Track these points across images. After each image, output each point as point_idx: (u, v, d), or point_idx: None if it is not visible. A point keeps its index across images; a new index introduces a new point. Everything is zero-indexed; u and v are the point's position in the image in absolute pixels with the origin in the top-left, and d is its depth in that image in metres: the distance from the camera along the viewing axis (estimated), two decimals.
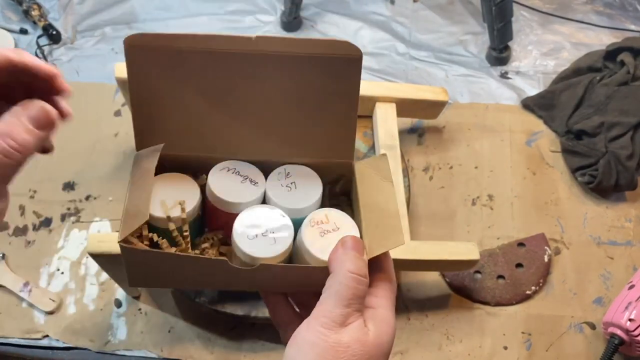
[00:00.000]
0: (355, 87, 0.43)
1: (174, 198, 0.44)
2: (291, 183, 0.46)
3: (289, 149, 0.46)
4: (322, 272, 0.39)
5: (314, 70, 0.41)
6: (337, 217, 0.44)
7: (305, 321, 0.37)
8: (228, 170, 0.46)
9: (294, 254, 0.45)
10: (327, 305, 0.37)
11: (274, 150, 0.47)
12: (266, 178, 0.47)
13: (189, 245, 0.45)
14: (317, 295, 0.39)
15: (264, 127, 0.45)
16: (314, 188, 0.46)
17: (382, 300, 0.39)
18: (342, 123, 0.45)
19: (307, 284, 0.41)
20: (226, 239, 0.47)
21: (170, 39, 0.41)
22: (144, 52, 0.41)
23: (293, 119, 0.45)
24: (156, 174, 0.44)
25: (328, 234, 0.43)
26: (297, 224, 0.44)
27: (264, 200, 0.46)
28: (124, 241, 0.39)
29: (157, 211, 0.44)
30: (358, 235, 0.43)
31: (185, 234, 0.44)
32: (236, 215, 0.44)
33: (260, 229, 0.43)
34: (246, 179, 0.46)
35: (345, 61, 0.41)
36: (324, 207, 0.47)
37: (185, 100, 0.43)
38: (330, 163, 0.47)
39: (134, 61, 0.42)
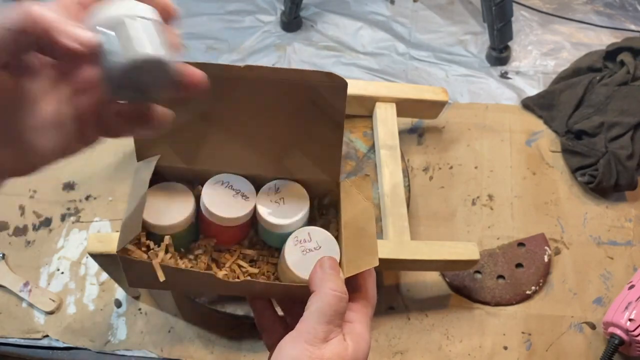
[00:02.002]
0: (340, 113, 0.46)
1: (171, 206, 0.47)
2: (280, 198, 0.49)
3: (280, 166, 0.49)
4: (303, 290, 0.42)
5: (302, 97, 0.45)
6: (319, 235, 0.47)
7: (288, 336, 0.39)
8: (222, 184, 0.49)
9: (279, 269, 0.48)
10: (310, 322, 0.39)
11: (266, 166, 0.49)
12: (258, 192, 0.49)
13: (177, 257, 0.47)
14: (302, 303, 0.41)
15: (256, 145, 0.48)
16: (302, 204, 0.49)
17: (359, 315, 0.42)
18: (329, 145, 0.48)
19: (289, 298, 0.44)
20: (219, 246, 0.50)
21: None
22: None
23: (284, 139, 0.48)
24: (156, 182, 0.48)
25: (310, 253, 0.46)
26: (284, 238, 0.47)
27: (254, 214, 0.49)
28: (121, 251, 0.42)
29: (154, 219, 0.46)
30: (338, 253, 0.46)
31: (170, 249, 0.47)
32: (225, 227, 0.48)
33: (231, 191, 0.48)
34: (238, 193, 0.48)
35: (330, 89, 0.44)
36: (313, 219, 0.50)
37: (183, 118, 0.46)
38: (318, 180, 0.50)
39: None
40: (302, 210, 0.48)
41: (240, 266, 0.49)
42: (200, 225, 0.50)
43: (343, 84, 0.43)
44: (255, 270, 0.49)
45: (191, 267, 0.48)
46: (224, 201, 0.48)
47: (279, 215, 0.48)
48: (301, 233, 0.47)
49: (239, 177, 0.49)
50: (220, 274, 0.47)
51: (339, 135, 0.47)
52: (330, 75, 0.43)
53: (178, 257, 0.47)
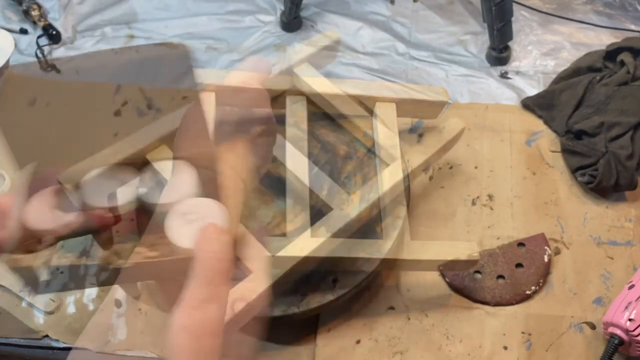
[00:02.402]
0: (192, 82, 0.44)
1: (55, 208, 0.46)
2: (163, 179, 0.47)
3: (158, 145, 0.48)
4: (190, 262, 0.40)
5: (149, 74, 0.44)
6: (203, 204, 0.45)
7: (175, 307, 0.38)
8: (100, 176, 0.47)
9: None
10: (190, 287, 0.38)
11: (142, 150, 0.48)
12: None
13: (69, 257, 0.47)
14: None
15: (124, 128, 0.47)
16: (186, 180, 0.47)
17: (248, 272, 0.42)
18: (194, 116, 0.46)
19: (182, 274, 0.42)
20: (120, 238, 0.49)
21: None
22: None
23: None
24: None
25: (194, 224, 0.43)
26: None
27: (139, 199, 0.48)
28: (9, 261, 0.43)
29: (40, 225, 0.45)
30: (225, 218, 0.44)
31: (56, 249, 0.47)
32: (114, 217, 0.46)
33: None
34: (116, 180, 0.47)
35: (174, 59, 0.43)
36: (211, 194, 0.48)
37: (47, 117, 0.45)
38: (197, 154, 0.48)
39: None
40: (188, 187, 0.47)
41: (139, 253, 0.47)
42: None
43: (185, 50, 0.42)
44: (156, 253, 0.46)
45: (90, 262, 0.46)
46: (103, 191, 0.46)
47: (164, 194, 0.46)
48: (183, 205, 0.45)
49: (118, 166, 0.48)
50: (118, 262, 0.46)
51: (199, 103, 0.45)
52: (171, 45, 0.42)
53: (74, 256, 0.46)
